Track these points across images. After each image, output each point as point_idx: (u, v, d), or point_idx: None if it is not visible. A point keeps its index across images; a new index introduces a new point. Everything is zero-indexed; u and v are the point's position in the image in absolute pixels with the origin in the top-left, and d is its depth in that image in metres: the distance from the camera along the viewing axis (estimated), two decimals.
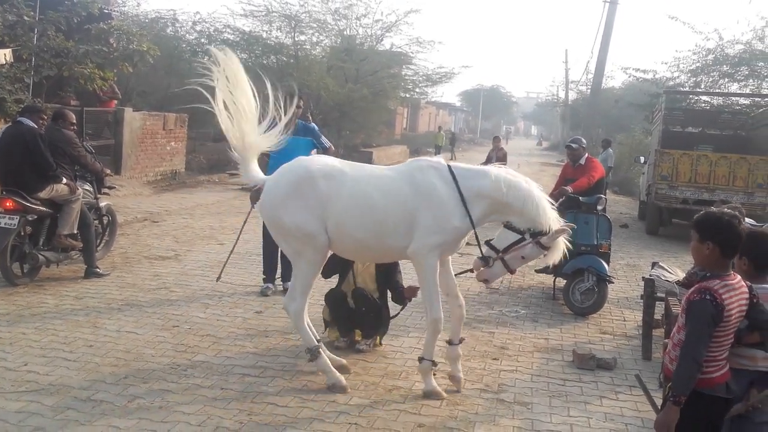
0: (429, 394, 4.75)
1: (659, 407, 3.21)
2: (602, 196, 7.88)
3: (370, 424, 4.28)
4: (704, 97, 21.17)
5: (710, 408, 3.08)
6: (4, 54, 11.03)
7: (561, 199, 7.55)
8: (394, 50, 29.82)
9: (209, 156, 19.54)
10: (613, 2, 31.91)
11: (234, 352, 5.41)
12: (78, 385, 4.59)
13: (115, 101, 14.84)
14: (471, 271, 5.08)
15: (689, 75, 22.54)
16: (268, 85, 4.77)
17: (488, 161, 16.39)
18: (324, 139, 7.37)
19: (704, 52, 21.69)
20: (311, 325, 5.23)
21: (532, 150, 55.10)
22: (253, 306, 6.72)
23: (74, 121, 7.65)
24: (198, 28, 24.01)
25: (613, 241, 8.35)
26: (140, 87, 20.23)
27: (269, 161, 6.31)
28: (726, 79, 21.54)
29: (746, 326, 3.16)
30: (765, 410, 3.30)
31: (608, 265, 7.44)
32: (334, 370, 4.87)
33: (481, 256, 4.77)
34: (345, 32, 28.15)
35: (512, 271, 4.87)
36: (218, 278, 7.02)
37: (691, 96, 20.84)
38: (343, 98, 25.36)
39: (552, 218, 4.66)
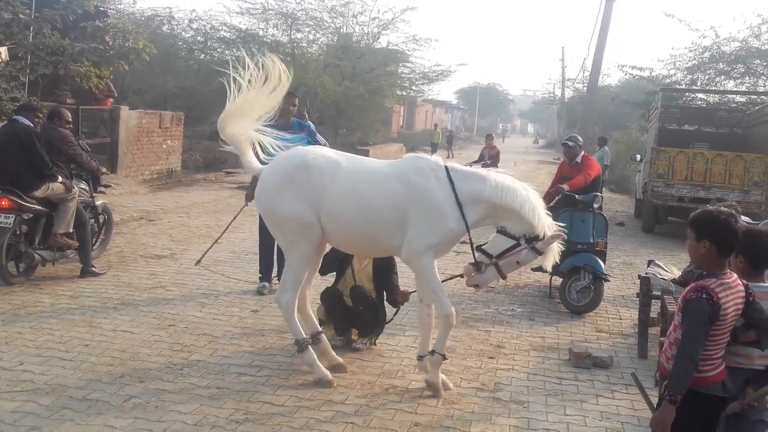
0: (431, 386, 4.75)
1: (655, 406, 3.22)
2: (598, 194, 7.87)
3: (367, 423, 4.27)
4: (700, 95, 21.23)
5: (706, 406, 3.08)
6: (0, 52, 11.01)
7: (557, 197, 7.57)
8: (391, 48, 29.88)
9: (205, 154, 19.52)
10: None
11: (230, 351, 5.40)
12: (74, 384, 4.58)
13: (111, 99, 14.78)
14: (461, 276, 5.07)
15: (685, 72, 22.59)
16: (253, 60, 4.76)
17: (481, 159, 16.41)
18: (319, 137, 7.37)
19: (700, 50, 21.74)
20: (313, 318, 5.24)
21: (528, 148, 55.10)
22: (249, 305, 6.71)
23: (70, 119, 7.63)
24: (194, 26, 24.06)
25: (610, 239, 8.37)
26: (136, 85, 20.22)
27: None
28: (722, 77, 21.55)
29: (742, 324, 3.17)
30: (760, 408, 3.32)
31: (604, 263, 7.44)
32: (320, 365, 4.88)
33: (473, 261, 4.77)
34: (342, 30, 28.19)
35: (504, 277, 4.88)
36: (197, 262, 7.23)
37: (687, 94, 20.87)
38: (339, 96, 25.37)
39: (547, 224, 4.68)
